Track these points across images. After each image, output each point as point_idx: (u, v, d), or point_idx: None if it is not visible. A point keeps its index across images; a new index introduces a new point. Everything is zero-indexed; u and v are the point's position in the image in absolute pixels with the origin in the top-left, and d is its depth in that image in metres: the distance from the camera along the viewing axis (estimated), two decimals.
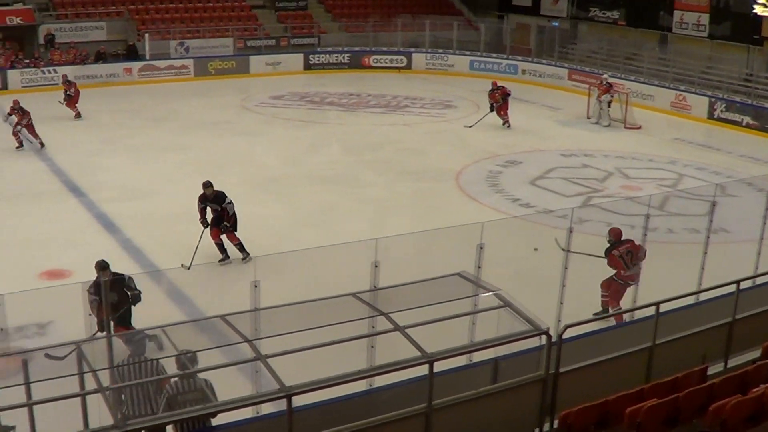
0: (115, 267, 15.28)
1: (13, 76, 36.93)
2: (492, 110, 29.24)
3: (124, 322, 12.32)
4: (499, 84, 30.11)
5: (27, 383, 8.74)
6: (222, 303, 11.65)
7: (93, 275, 12.45)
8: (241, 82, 37.89)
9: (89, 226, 18.78)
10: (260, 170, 23.40)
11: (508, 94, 29.55)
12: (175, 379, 9.10)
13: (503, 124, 29.19)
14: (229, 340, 9.25)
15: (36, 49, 38.88)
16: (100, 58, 38.63)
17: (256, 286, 10.33)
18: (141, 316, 12.12)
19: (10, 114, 25.64)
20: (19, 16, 39.68)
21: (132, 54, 39.65)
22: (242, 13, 44.73)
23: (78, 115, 30.53)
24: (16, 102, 25.62)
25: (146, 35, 40.07)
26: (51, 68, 37.32)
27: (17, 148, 25.20)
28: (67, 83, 31.47)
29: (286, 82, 38.19)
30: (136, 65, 38.86)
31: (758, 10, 31.91)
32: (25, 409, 8.46)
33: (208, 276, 15.75)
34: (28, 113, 25.35)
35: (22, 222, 19.01)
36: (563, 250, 12.97)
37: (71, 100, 30.84)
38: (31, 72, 37.17)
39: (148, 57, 39.56)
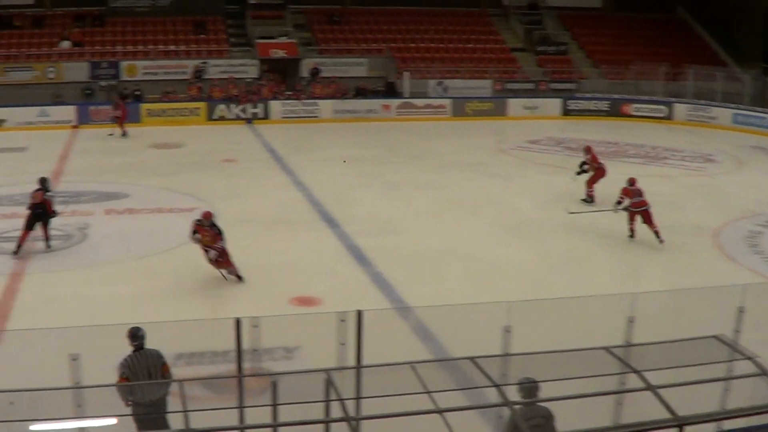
0: (364, 299, 15.46)
1: (275, 106, 38.20)
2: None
3: None
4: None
5: (274, 404, 8.84)
6: (469, 345, 11.46)
7: (343, 306, 12.47)
8: (498, 124, 37.87)
9: (341, 257, 18.95)
10: (513, 214, 23.10)
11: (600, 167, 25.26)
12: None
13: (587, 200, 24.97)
14: (474, 383, 9.06)
15: (298, 82, 40.10)
16: (360, 93, 39.43)
17: (508, 331, 10.18)
18: (387, 350, 12.05)
19: None
20: (284, 50, 41.11)
21: (391, 91, 40.40)
22: (502, 55, 44.86)
23: (124, 134, 33.09)
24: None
25: (406, 73, 40.70)
26: (312, 101, 38.38)
27: None
28: (115, 105, 34.01)
29: (543, 127, 37.89)
30: (395, 102, 39.58)
31: None
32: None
33: (457, 316, 15.62)
34: None
35: (277, 248, 19.43)
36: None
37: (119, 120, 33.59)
38: (293, 104, 38.30)
39: (406, 95, 40.16)
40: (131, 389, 10.22)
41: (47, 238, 19.36)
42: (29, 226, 18.98)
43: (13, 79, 39.01)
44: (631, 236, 20.53)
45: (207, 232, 17.14)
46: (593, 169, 24.75)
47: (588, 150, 25.17)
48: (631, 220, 20.47)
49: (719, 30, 48.32)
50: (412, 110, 39.44)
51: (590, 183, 24.71)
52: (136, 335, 10.65)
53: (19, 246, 18.86)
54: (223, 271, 17.08)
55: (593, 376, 8.88)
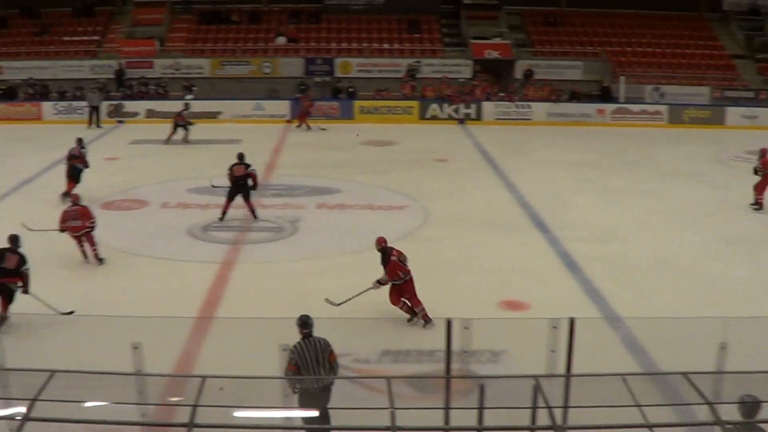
0: (573, 307, 15.13)
1: (488, 107, 38.04)
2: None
3: None
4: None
5: (481, 407, 8.70)
6: (680, 360, 11.02)
7: (552, 312, 12.19)
8: (716, 133, 36.64)
9: (551, 263, 18.62)
10: (732, 227, 22.12)
11: None
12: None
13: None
14: (685, 399, 8.78)
15: (511, 84, 39.83)
16: (574, 97, 38.87)
17: (723, 348, 9.88)
18: (595, 360, 11.69)
19: None
20: (498, 51, 40.94)
21: (606, 95, 39.63)
22: (720, 61, 43.38)
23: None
24: None
25: (622, 78, 39.86)
26: (525, 103, 38.07)
27: None
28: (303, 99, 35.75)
29: (764, 138, 36.35)
30: (610, 107, 38.78)
31: None
32: None
33: (669, 330, 15.10)
34: None
35: (487, 249, 19.30)
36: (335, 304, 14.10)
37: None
38: (505, 105, 38.06)
39: (622, 100, 39.35)
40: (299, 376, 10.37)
41: (252, 210, 21.28)
42: (231, 197, 21.13)
43: (230, 73, 40.33)
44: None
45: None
46: (762, 174, 23.64)
47: (764, 153, 23.88)
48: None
49: None
50: (627, 116, 38.53)
51: (759, 189, 23.75)
52: (306, 323, 10.76)
53: (223, 213, 21.13)
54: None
55: None
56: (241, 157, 21.91)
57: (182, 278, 17.01)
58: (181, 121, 32.27)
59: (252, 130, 35.23)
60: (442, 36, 43.67)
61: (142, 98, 38.97)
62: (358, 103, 38.23)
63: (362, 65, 40.91)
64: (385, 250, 14.98)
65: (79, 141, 24.14)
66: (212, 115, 37.09)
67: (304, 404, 10.19)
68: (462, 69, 41.06)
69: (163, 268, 17.85)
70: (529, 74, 40.29)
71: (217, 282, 16.79)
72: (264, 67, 40.48)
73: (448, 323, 10.12)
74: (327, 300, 14.74)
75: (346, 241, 19.74)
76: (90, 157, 23.74)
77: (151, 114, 37.77)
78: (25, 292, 14.50)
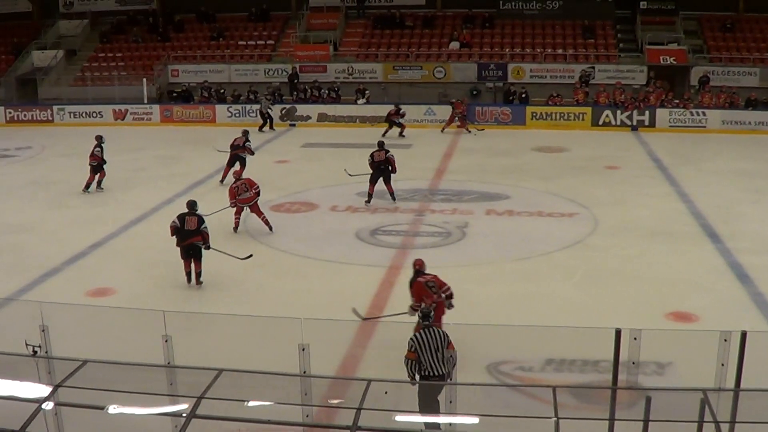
0: (742, 319, 14.83)
1: (662, 114, 37.44)
2: None
3: None
4: None
5: (646, 420, 8.70)
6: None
7: (720, 324, 11.99)
8: None
9: (722, 274, 18.21)
10: None
11: None
12: None
13: None
14: None
15: (686, 90, 39.09)
16: (750, 104, 37.87)
17: None
18: (763, 375, 11.44)
19: None
20: (673, 57, 40.24)
21: None
22: None
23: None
24: None
25: None
26: (699, 110, 37.32)
27: None
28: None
29: None
30: None
31: None
32: None
33: None
34: None
35: (655, 260, 19.01)
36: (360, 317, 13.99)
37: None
38: (680, 112, 37.38)
39: None
40: (419, 364, 10.84)
41: (392, 193, 23.35)
42: (374, 181, 23.41)
43: (402, 77, 40.77)
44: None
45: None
46: None
47: None
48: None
49: None
50: None
51: None
52: (427, 315, 11.30)
53: (369, 196, 23.49)
54: None
55: None
56: (381, 144, 24.14)
57: (349, 281, 17.32)
58: (396, 119, 34.56)
59: (423, 134, 35.54)
60: (617, 42, 43.16)
61: (314, 102, 39.77)
62: (530, 109, 38.11)
63: (535, 71, 40.80)
64: (417, 273, 14.33)
65: (245, 133, 26.80)
66: (384, 120, 37.52)
67: (422, 390, 10.60)
68: (636, 75, 40.48)
69: (331, 270, 18.21)
70: (704, 80, 39.42)
71: (383, 286, 17.05)
72: (437, 72, 40.79)
73: (617, 333, 10.10)
74: (354, 310, 14.73)
75: (514, 248, 19.78)
76: (260, 159, 24.36)
77: (322, 118, 38.58)
78: (207, 247, 17.09)
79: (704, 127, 37.18)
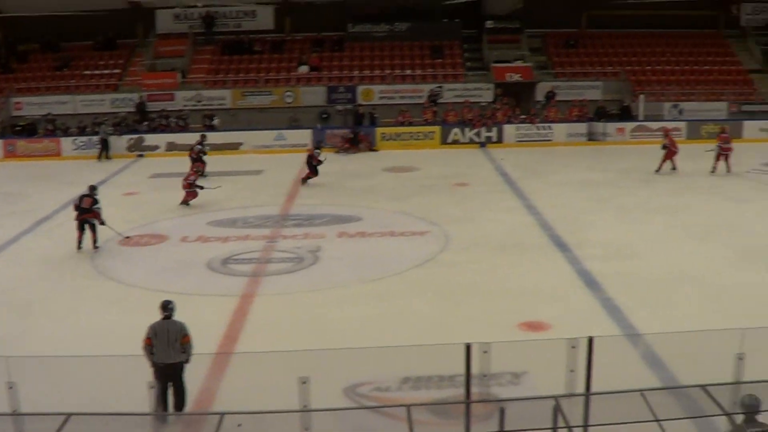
0: (593, 325, 15.21)
1: (509, 130, 38.24)
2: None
3: None
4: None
5: (501, 431, 8.86)
6: (699, 373, 11.05)
7: (572, 332, 12.23)
8: (734, 147, 36.60)
9: (571, 282, 18.63)
10: (749, 238, 22.16)
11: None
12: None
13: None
14: (704, 411, 9.03)
15: (532, 106, 39.95)
16: (600, 114, 38.91)
17: (740, 359, 10.04)
18: (615, 377, 11.71)
19: None
20: (519, 74, 41.09)
21: (625, 114, 39.71)
22: (738, 77, 43.54)
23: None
24: None
25: (641, 96, 40.02)
26: (546, 125, 38.20)
27: None
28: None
29: None
30: (629, 125, 39.03)
31: None
32: None
33: (687, 343, 15.13)
34: None
35: (506, 272, 19.32)
36: None
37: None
38: (526, 127, 38.19)
39: (641, 118, 39.51)
40: (154, 351, 11.86)
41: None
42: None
43: (252, 103, 40.65)
44: None
45: None
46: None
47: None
48: None
49: None
50: (646, 133, 38.60)
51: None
52: (165, 307, 12.45)
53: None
54: None
55: None
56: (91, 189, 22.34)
57: (201, 313, 16.91)
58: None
59: (274, 160, 35.42)
60: (464, 61, 43.83)
61: (162, 131, 39.25)
62: (380, 130, 38.35)
63: (384, 92, 41.14)
64: None
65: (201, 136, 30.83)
66: (234, 147, 37.36)
67: (156, 375, 11.73)
68: (483, 93, 41.24)
69: (182, 303, 17.72)
70: (550, 95, 40.42)
71: (236, 316, 16.82)
72: (286, 97, 40.75)
73: (467, 348, 10.18)
74: None
75: (367, 270, 19.74)
76: (107, 192, 23.98)
77: (171, 147, 38.06)
78: (102, 223, 21.46)
79: (550, 140, 38.12)
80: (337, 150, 36.84)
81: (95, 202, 21.50)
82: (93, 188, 21.95)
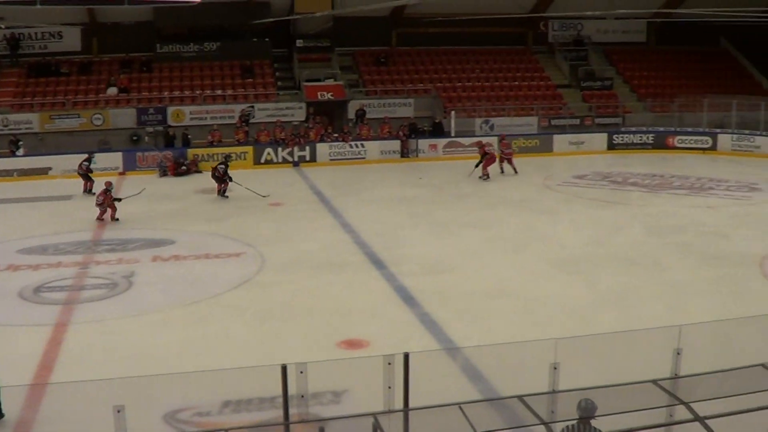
0: (411, 340, 15.45)
1: (322, 149, 38.43)
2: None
3: None
4: (483, 143, 34.86)
5: None
6: (517, 383, 11.32)
7: (391, 348, 12.32)
8: (544, 161, 37.83)
9: (388, 299, 18.83)
10: (560, 249, 22.97)
11: (487, 153, 33.89)
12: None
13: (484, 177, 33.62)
14: (523, 422, 9.21)
15: (345, 124, 40.25)
16: (414, 131, 39.49)
17: (555, 368, 10.19)
18: (435, 391, 11.89)
19: None
20: (331, 92, 41.31)
21: (438, 130, 40.38)
22: (547, 92, 45.02)
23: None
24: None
25: (452, 112, 40.79)
26: (358, 142, 38.53)
27: None
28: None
29: (589, 162, 37.88)
30: (442, 141, 39.71)
31: None
32: None
33: (505, 355, 15.48)
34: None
35: (324, 291, 19.35)
36: None
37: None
38: (339, 146, 38.45)
39: (453, 134, 40.28)
40: None
41: None
42: None
43: (60, 126, 39.41)
44: None
45: None
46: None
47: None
48: None
49: (762, 60, 48.30)
50: (458, 149, 39.42)
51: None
52: None
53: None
54: None
55: (642, 409, 9.02)
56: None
57: (13, 344, 16.46)
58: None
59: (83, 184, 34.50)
60: (276, 80, 43.80)
61: None
62: (192, 151, 37.84)
63: (195, 113, 40.64)
64: None
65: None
66: (42, 171, 36.22)
67: None
68: (295, 112, 41.25)
69: None
70: (361, 114, 40.77)
71: (51, 345, 16.30)
72: (95, 119, 39.77)
73: (284, 369, 10.14)
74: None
75: (182, 293, 19.43)
76: None
77: None
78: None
79: (364, 158, 38.43)
80: (163, 173, 36.11)
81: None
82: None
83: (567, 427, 9.22)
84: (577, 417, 9.26)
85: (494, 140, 37.50)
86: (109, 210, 26.71)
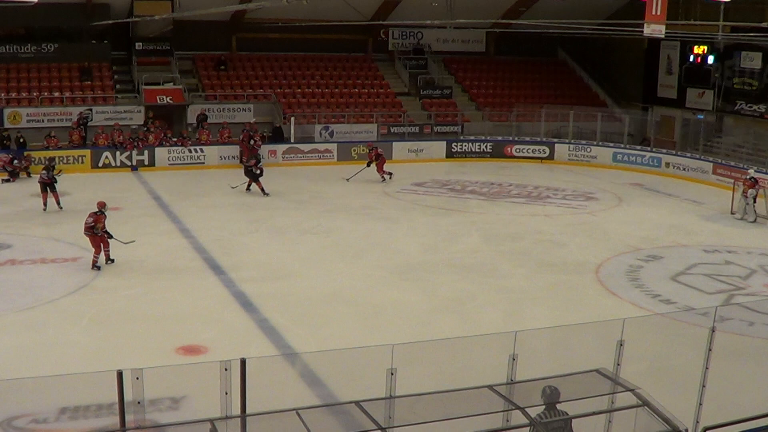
0: (250, 346, 15.63)
1: (161, 153, 38.11)
2: (368, 166, 35.61)
3: None
4: (374, 146, 36.79)
5: None
6: (356, 388, 11.62)
7: (230, 354, 12.47)
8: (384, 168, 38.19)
9: (227, 304, 18.98)
10: (399, 256, 23.44)
11: (380, 154, 35.87)
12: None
13: (382, 179, 35.26)
14: (361, 427, 9.32)
15: (184, 128, 40.01)
16: (251, 138, 39.50)
17: (392, 374, 10.36)
18: (274, 397, 12.12)
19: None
20: (170, 96, 40.95)
21: (277, 136, 40.53)
22: (387, 99, 45.46)
23: None
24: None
25: (292, 119, 40.93)
26: (198, 147, 38.41)
27: None
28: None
29: (428, 169, 38.48)
30: (281, 147, 39.87)
31: None
32: None
33: (343, 360, 15.79)
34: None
35: (162, 297, 19.39)
36: None
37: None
38: (179, 150, 38.24)
39: (292, 140, 40.46)
40: None
41: None
42: None
43: None
44: None
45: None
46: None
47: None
48: None
49: (599, 71, 49.99)
50: (298, 155, 39.69)
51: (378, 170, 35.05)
52: None
53: None
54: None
55: (477, 414, 9.23)
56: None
57: None
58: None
59: None
60: (114, 83, 43.14)
61: None
62: (28, 153, 37.00)
63: (33, 115, 39.63)
64: None
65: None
66: None
67: None
68: (134, 115, 40.66)
69: None
70: (203, 118, 40.52)
71: None
72: None
73: (119, 374, 10.20)
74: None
75: (17, 298, 19.11)
76: None
77: None
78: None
79: (203, 163, 38.30)
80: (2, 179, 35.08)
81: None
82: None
83: (539, 414, 9.53)
84: (543, 403, 9.62)
85: (333, 147, 37.97)
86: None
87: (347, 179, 34.84)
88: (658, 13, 29.06)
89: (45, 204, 28.71)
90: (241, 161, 36.78)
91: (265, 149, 39.16)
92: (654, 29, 31.96)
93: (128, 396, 10.21)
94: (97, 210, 22.18)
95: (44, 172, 29.00)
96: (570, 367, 10.31)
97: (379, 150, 36.28)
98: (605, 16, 41.97)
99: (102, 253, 21.73)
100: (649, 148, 40.90)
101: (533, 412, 9.32)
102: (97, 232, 21.66)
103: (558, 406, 9.63)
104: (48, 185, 28.66)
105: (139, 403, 10.38)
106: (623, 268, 22.68)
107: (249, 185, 32.44)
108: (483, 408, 9.51)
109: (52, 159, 32.24)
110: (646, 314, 18.50)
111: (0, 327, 17.40)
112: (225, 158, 38.51)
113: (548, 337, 14.85)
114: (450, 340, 14.21)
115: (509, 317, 18.50)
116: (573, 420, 9.43)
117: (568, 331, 14.92)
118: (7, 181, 34.54)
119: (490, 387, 9.91)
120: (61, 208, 28.69)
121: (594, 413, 9.62)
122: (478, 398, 9.73)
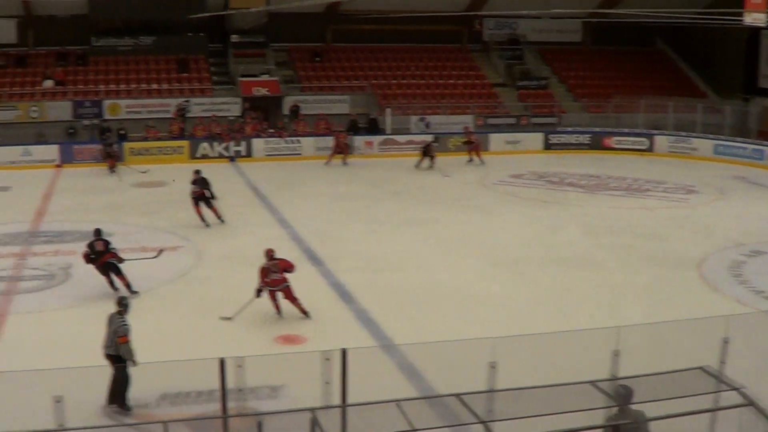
0: (348, 337, 15.51)
1: (258, 144, 38.39)
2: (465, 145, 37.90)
3: None
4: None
5: None
6: (454, 381, 11.51)
7: (328, 344, 12.45)
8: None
9: (325, 295, 18.97)
10: (497, 249, 23.19)
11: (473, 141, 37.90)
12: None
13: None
14: (461, 420, 9.30)
15: (280, 120, 40.22)
16: (353, 128, 39.54)
17: (493, 367, 10.29)
18: (372, 388, 12.06)
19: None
20: (266, 88, 41.23)
21: (373, 127, 40.51)
22: (483, 90, 45.22)
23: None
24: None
25: (388, 110, 40.94)
26: (294, 138, 38.56)
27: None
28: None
29: (525, 161, 38.10)
30: (377, 139, 39.90)
31: None
32: None
33: (442, 353, 15.68)
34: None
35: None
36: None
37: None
38: (275, 141, 38.46)
39: (388, 131, 40.47)
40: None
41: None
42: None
43: None
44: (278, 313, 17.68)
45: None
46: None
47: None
48: (272, 299, 17.68)
49: (698, 61, 48.97)
50: (394, 146, 39.68)
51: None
52: (119, 303, 14.25)
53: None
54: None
55: (579, 410, 9.02)
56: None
57: None
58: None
59: (21, 176, 34.20)
60: (211, 75, 43.60)
61: None
62: (128, 145, 37.62)
63: (131, 106, 40.29)
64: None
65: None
66: None
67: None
68: (231, 107, 41.12)
69: None
70: (295, 110, 40.75)
71: None
72: (31, 112, 39.30)
73: (221, 362, 10.24)
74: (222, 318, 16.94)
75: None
76: None
77: None
78: (121, 261, 19.17)
79: (300, 154, 38.47)
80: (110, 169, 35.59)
81: (107, 243, 19.40)
82: (99, 231, 19.76)
83: (609, 416, 9.44)
84: (617, 404, 9.49)
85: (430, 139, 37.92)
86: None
87: (445, 176, 34.52)
88: (759, 1, 28.42)
89: (202, 219, 25.55)
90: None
91: (361, 140, 39.22)
92: (755, 18, 31.35)
93: (229, 383, 10.27)
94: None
95: (194, 186, 26.01)
96: (672, 365, 10.05)
97: (473, 137, 37.40)
98: (704, 5, 41.04)
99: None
100: (750, 140, 39.86)
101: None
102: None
103: (658, 404, 9.42)
104: (200, 198, 25.78)
105: (240, 390, 10.44)
106: (726, 264, 22.07)
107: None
108: (584, 404, 9.34)
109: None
110: (751, 311, 18.03)
111: (102, 313, 17.56)
112: (321, 149, 38.56)
113: (650, 333, 14.56)
114: (551, 335, 13.97)
115: (609, 312, 18.15)
116: (680, 418, 9.18)
117: (670, 327, 14.61)
118: (113, 171, 35.04)
119: (592, 383, 9.77)
120: (222, 221, 25.93)
121: (695, 412, 9.34)
122: (580, 394, 9.57)
